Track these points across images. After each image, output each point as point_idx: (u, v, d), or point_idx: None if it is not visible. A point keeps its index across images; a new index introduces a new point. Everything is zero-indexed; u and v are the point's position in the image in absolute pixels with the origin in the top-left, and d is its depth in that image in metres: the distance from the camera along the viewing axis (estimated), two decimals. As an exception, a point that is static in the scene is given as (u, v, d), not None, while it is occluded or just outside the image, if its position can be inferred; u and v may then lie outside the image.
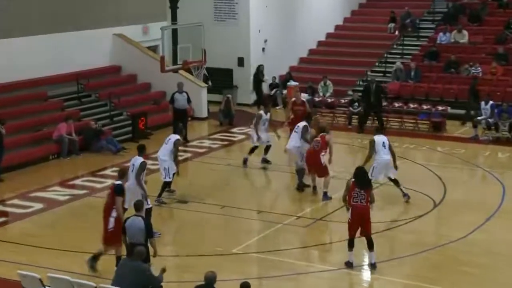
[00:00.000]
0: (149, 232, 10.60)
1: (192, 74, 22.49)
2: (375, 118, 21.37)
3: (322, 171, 15.13)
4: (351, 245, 11.87)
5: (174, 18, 23.61)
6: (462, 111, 22.35)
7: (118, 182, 11.80)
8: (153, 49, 23.69)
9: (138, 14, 23.47)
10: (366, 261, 12.06)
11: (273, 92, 25.17)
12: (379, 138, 14.93)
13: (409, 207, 14.89)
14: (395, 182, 15.13)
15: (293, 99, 18.56)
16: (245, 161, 17.60)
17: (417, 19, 27.50)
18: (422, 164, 18.17)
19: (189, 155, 18.83)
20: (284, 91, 24.42)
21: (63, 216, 14.83)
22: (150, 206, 13.00)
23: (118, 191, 11.58)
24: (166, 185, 15.08)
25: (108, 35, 22.66)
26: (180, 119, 19.63)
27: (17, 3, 19.85)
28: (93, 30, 21.84)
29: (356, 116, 21.94)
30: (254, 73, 25.02)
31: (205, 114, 23.20)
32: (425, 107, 22.46)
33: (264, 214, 14.78)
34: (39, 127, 19.12)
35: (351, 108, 22.36)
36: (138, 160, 13.07)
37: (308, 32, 27.18)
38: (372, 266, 11.83)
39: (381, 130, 15.96)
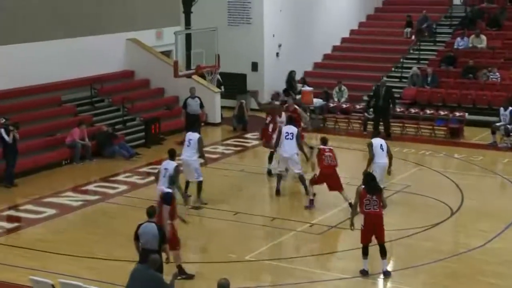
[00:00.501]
0: (163, 238, 10.51)
1: (205, 79, 22.39)
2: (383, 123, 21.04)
3: (340, 184, 14.90)
4: (365, 252, 11.72)
5: (187, 23, 23.58)
6: (481, 117, 21.97)
7: (168, 190, 11.88)
8: (167, 54, 23.62)
9: (152, 19, 23.41)
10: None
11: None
12: (377, 141, 14.90)
13: (426, 214, 14.66)
14: None
15: (286, 105, 18.42)
16: (269, 172, 17.32)
17: (434, 23, 27.25)
18: (439, 171, 17.96)
19: (201, 160, 18.69)
20: (298, 96, 24.24)
21: (75, 222, 14.79)
22: None
23: (167, 200, 11.55)
24: (201, 185, 15.16)
25: (121, 40, 22.61)
26: (193, 124, 19.48)
27: (31, 8, 19.86)
28: (107, 35, 21.81)
29: (372, 122, 21.71)
30: (286, 79, 24.76)
31: (218, 120, 23.09)
32: (442, 113, 22.20)
33: (278, 220, 14.61)
34: (52, 132, 19.09)
35: (366, 114, 22.15)
36: (172, 164, 13.31)
37: (323, 37, 27.01)
38: (385, 273, 11.66)
39: (379, 133, 15.79)
